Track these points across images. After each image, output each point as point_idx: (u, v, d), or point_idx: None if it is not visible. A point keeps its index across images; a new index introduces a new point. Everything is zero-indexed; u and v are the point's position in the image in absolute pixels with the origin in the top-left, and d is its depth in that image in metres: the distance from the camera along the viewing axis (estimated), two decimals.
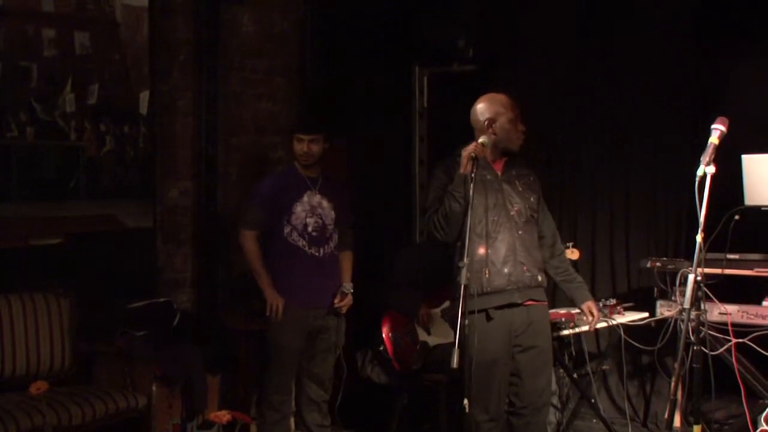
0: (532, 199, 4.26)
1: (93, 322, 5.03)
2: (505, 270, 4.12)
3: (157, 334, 5.05)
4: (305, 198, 4.94)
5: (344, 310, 5.06)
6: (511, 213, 4.17)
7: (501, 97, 4.20)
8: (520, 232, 4.17)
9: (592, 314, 4.37)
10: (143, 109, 5.62)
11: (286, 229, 4.91)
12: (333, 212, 5.01)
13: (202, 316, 5.62)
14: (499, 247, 4.13)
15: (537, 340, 4.20)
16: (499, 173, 4.23)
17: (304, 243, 4.93)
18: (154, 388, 4.82)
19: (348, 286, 5.07)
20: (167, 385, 4.93)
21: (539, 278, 4.22)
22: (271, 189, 4.97)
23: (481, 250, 4.10)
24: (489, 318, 4.11)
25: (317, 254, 4.96)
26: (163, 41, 5.58)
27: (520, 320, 4.17)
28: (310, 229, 4.93)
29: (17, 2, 5.01)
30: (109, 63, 5.44)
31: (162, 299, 5.35)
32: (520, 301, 4.15)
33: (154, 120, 5.59)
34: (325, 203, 4.99)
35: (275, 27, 6.09)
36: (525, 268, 4.16)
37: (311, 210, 4.95)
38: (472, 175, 3.86)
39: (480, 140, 4.00)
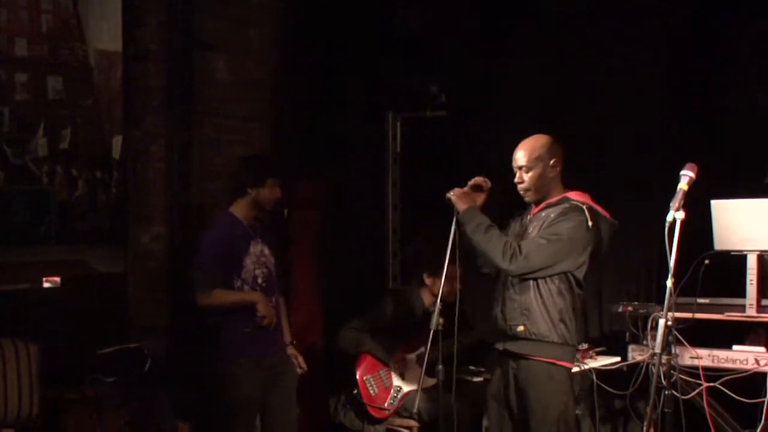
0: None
1: (62, 368, 4.96)
2: (493, 311, 4.11)
3: (127, 381, 5.00)
4: (251, 249, 4.69)
5: (301, 362, 4.92)
6: None
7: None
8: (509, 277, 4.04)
9: None
10: (116, 153, 5.62)
11: (237, 284, 4.65)
12: (273, 258, 4.81)
13: (173, 362, 5.56)
14: (497, 287, 4.13)
15: (530, 393, 4.04)
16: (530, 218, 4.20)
17: None
18: None
19: (290, 347, 4.92)
20: None
21: (518, 329, 4.00)
22: (221, 247, 4.62)
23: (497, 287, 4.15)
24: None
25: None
26: (136, 86, 5.59)
27: (513, 367, 4.08)
28: (260, 280, 4.70)
29: None
30: (81, 108, 5.46)
31: (132, 345, 5.30)
32: (500, 348, 4.09)
33: (127, 165, 5.58)
34: (266, 250, 4.76)
35: (250, 73, 6.10)
36: (501, 310, 4.06)
37: (257, 260, 4.70)
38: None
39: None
